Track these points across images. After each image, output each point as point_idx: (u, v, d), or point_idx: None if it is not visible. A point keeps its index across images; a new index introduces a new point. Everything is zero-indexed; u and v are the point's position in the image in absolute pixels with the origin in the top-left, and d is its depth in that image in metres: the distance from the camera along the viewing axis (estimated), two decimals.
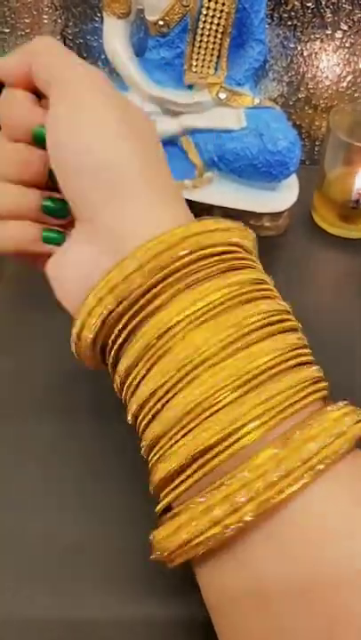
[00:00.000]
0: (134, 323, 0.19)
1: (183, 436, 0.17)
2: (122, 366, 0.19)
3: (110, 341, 0.20)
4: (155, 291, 0.19)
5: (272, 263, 0.39)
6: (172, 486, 0.18)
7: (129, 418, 0.20)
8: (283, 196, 0.37)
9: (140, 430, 0.19)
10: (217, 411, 0.17)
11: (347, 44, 0.41)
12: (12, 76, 0.22)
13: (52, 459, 0.27)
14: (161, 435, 0.18)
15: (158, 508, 0.19)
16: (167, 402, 0.18)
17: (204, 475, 0.17)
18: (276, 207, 0.37)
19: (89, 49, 0.43)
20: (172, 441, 0.18)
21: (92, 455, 0.27)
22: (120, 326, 0.19)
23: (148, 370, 0.19)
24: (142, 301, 0.19)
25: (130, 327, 0.19)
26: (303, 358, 0.19)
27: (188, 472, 0.17)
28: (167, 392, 0.18)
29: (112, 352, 0.20)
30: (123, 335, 0.19)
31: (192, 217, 0.22)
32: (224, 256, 0.20)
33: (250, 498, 0.16)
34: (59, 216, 0.23)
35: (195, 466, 0.17)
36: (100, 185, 0.20)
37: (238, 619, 0.17)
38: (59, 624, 0.22)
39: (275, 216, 0.38)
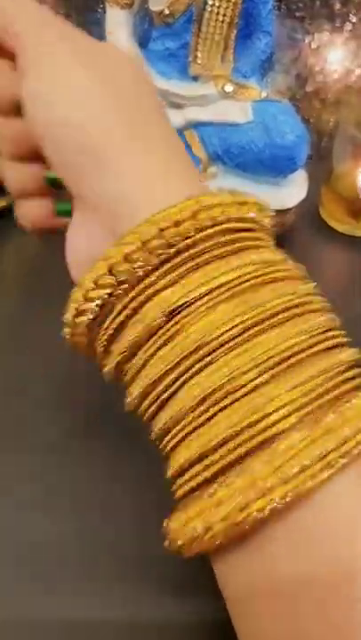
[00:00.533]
0: (136, 303, 0.17)
1: (201, 425, 0.16)
2: (120, 345, 0.17)
3: (107, 323, 0.18)
4: (161, 270, 0.17)
5: None
6: (192, 473, 0.16)
7: (128, 400, 0.18)
8: (291, 193, 0.36)
9: (149, 414, 0.17)
10: (240, 398, 0.15)
11: (356, 37, 0.40)
12: None
13: (52, 458, 0.27)
14: (178, 419, 0.16)
15: (178, 494, 0.17)
16: (182, 385, 0.16)
17: (228, 462, 0.16)
18: (284, 203, 0.36)
19: None
20: (191, 427, 0.16)
21: (92, 455, 0.27)
22: (120, 307, 0.17)
23: (157, 350, 0.17)
24: (146, 282, 0.17)
25: (131, 306, 0.17)
26: (336, 340, 0.17)
27: (207, 462, 0.16)
28: (181, 375, 0.16)
29: (106, 334, 0.18)
30: (122, 315, 0.17)
31: (196, 176, 0.19)
32: (237, 235, 0.18)
33: (275, 484, 0.15)
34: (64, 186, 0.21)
35: (216, 455, 0.16)
36: (84, 160, 0.18)
37: (257, 616, 0.16)
38: (58, 624, 0.22)
39: (282, 212, 0.37)
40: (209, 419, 0.16)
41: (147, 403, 0.17)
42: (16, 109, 0.20)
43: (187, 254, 0.17)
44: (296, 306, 0.17)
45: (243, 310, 0.16)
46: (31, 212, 0.23)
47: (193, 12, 0.32)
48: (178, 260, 0.17)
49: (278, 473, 0.15)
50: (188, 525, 0.16)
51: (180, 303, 0.16)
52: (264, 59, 0.34)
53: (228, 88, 0.34)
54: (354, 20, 0.40)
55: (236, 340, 0.16)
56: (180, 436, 0.16)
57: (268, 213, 0.20)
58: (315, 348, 0.16)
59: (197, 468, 0.16)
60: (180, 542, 0.16)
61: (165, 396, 0.17)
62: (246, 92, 0.34)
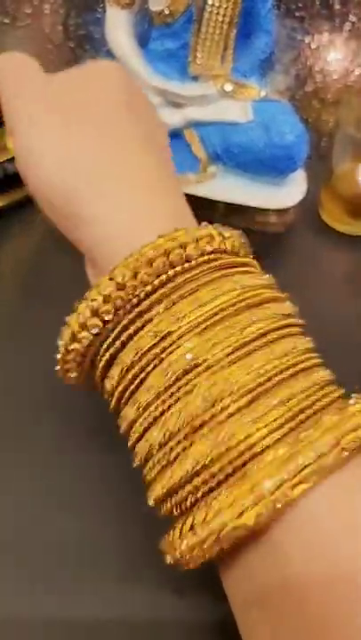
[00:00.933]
0: (128, 332, 0.17)
1: (188, 447, 0.16)
2: (114, 374, 0.18)
3: (102, 350, 0.18)
4: (152, 299, 0.17)
5: (278, 260, 0.39)
6: (182, 492, 0.17)
7: (123, 428, 0.19)
8: (290, 192, 0.36)
9: (134, 439, 0.18)
10: (225, 420, 0.16)
11: (356, 37, 0.40)
12: None
13: (52, 458, 0.27)
14: (162, 442, 0.17)
15: (165, 510, 0.18)
16: (165, 411, 0.17)
17: (218, 480, 0.16)
18: (283, 203, 0.36)
19: (91, 40, 0.42)
20: (178, 449, 0.17)
21: (92, 454, 0.27)
22: (113, 336, 0.18)
23: (143, 380, 0.17)
24: (135, 311, 0.17)
25: (123, 337, 0.17)
26: (314, 361, 0.18)
27: (196, 482, 0.16)
28: (164, 402, 0.17)
29: (102, 361, 0.18)
30: (116, 344, 0.18)
31: (176, 202, 0.20)
32: (223, 262, 0.19)
33: (263, 495, 0.15)
34: None
35: (205, 474, 0.16)
36: (66, 209, 0.19)
37: (266, 620, 0.16)
38: (60, 625, 0.22)
39: (281, 212, 0.37)
40: (190, 445, 0.16)
41: (133, 429, 0.18)
42: None
43: (178, 281, 0.17)
44: (277, 329, 0.18)
45: (225, 336, 0.17)
46: None
47: (193, 12, 0.32)
48: (171, 285, 0.17)
49: (266, 483, 0.15)
50: (184, 537, 0.16)
51: (169, 329, 0.17)
52: (264, 58, 0.34)
53: (228, 87, 0.34)
54: (353, 19, 0.40)
55: (220, 364, 0.16)
56: (161, 464, 0.17)
57: (247, 247, 0.21)
58: (292, 370, 0.17)
59: (186, 488, 0.16)
60: (177, 553, 0.17)
61: (149, 421, 0.17)
62: (246, 91, 0.34)
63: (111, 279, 0.17)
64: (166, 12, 0.32)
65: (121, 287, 0.17)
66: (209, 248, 0.18)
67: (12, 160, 0.35)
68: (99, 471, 0.26)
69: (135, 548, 0.24)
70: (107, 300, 0.17)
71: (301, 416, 0.16)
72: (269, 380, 0.16)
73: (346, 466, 0.16)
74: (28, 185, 0.20)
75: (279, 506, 0.15)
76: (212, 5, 0.31)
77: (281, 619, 0.16)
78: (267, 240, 0.39)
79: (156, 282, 0.17)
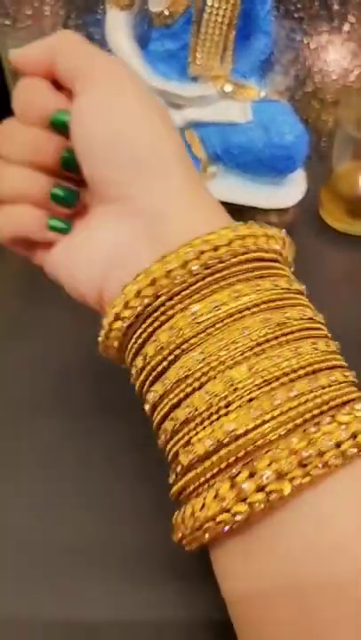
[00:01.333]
0: (166, 316, 0.19)
1: (207, 426, 0.17)
2: (147, 351, 0.19)
3: (140, 331, 0.19)
4: (193, 288, 0.19)
5: None
6: (198, 470, 0.17)
7: (147, 407, 0.20)
8: (290, 192, 0.36)
9: (160, 418, 0.19)
10: (240, 405, 0.17)
11: (354, 37, 0.40)
12: (32, 67, 0.22)
13: (52, 458, 0.27)
14: (183, 421, 0.18)
15: (176, 488, 0.19)
16: (191, 393, 0.18)
17: (228, 461, 0.17)
18: (283, 203, 0.36)
19: (91, 41, 0.42)
20: (198, 429, 0.17)
21: (92, 454, 0.27)
22: (152, 319, 0.19)
23: (174, 360, 0.18)
24: (179, 297, 0.19)
25: (161, 319, 0.19)
26: (336, 362, 0.19)
27: (213, 459, 0.17)
28: (190, 384, 0.18)
29: (139, 340, 0.19)
30: (154, 325, 0.19)
31: (225, 212, 0.22)
32: (264, 263, 0.20)
33: (269, 483, 0.16)
34: (67, 204, 0.23)
35: (221, 453, 0.17)
36: (137, 167, 0.20)
37: (263, 607, 0.17)
38: (60, 625, 0.22)
39: (281, 212, 0.37)
40: (212, 422, 0.17)
41: (160, 406, 0.19)
42: (45, 123, 0.22)
43: (219, 275, 0.19)
44: (305, 329, 0.19)
45: (256, 329, 0.18)
46: (20, 219, 0.22)
47: (192, 13, 0.32)
48: (210, 279, 0.19)
49: (270, 472, 0.16)
50: (195, 515, 0.17)
51: (205, 318, 0.18)
52: (263, 59, 0.34)
53: (228, 88, 0.34)
54: (352, 20, 0.40)
55: (244, 355, 0.17)
56: (183, 440, 0.18)
57: (292, 248, 0.22)
58: (315, 367, 0.18)
59: (202, 466, 0.17)
60: (187, 532, 0.18)
61: (175, 400, 0.18)
62: (245, 92, 0.34)
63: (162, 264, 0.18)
64: (166, 13, 0.32)
65: (167, 274, 0.18)
66: (253, 247, 0.19)
67: None
68: (99, 470, 0.27)
69: (138, 546, 0.24)
70: (152, 282, 0.18)
71: (310, 414, 0.17)
72: (287, 375, 0.17)
73: (350, 465, 0.16)
74: (84, 136, 0.21)
75: (275, 497, 0.16)
76: (212, 7, 0.31)
77: (277, 611, 0.16)
78: None
79: (217, 267, 0.19)
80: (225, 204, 0.37)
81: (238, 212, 0.37)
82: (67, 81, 0.22)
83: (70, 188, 0.23)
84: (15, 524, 0.25)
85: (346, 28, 0.40)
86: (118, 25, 0.33)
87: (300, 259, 0.39)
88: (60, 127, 0.22)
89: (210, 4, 0.31)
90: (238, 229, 0.19)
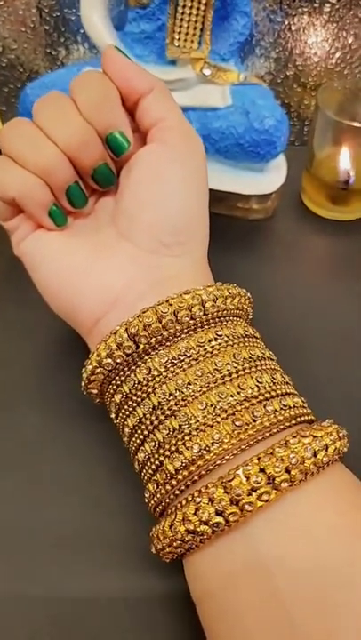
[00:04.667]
0: (147, 356, 0.20)
1: (171, 453, 0.19)
2: (121, 393, 0.21)
3: (122, 370, 0.21)
4: (177, 334, 0.21)
5: (260, 247, 0.38)
6: (162, 492, 0.19)
7: (125, 439, 0.21)
8: (271, 178, 0.36)
9: (134, 449, 0.21)
10: (197, 433, 0.19)
11: (336, 19, 0.39)
12: (122, 75, 0.23)
13: (41, 448, 0.27)
14: (152, 452, 0.20)
15: (151, 508, 0.20)
16: (159, 424, 0.19)
17: (191, 483, 0.19)
18: (264, 189, 0.36)
19: (66, 22, 0.41)
20: (162, 457, 0.19)
21: (83, 448, 0.27)
22: (136, 358, 0.21)
23: (142, 399, 0.20)
24: (162, 342, 0.20)
25: (143, 359, 0.20)
26: (285, 390, 0.21)
27: (174, 482, 0.19)
28: (158, 416, 0.19)
29: (113, 386, 0.21)
30: (133, 367, 0.21)
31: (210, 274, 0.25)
32: (236, 315, 0.22)
33: (233, 502, 0.17)
34: (75, 204, 0.24)
35: (185, 473, 0.19)
36: (171, 237, 0.23)
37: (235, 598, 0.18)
38: (56, 601, 0.23)
39: (263, 198, 0.37)
40: (174, 451, 0.19)
41: (132, 441, 0.21)
42: (102, 130, 0.23)
43: (197, 323, 0.21)
44: (254, 366, 0.21)
45: (208, 370, 0.20)
46: (32, 187, 0.23)
47: None
48: (192, 326, 0.21)
49: (231, 494, 0.17)
50: (165, 534, 0.19)
51: (168, 363, 0.20)
52: (242, 40, 0.33)
53: (207, 71, 0.33)
54: (333, 0, 0.39)
55: (199, 392, 0.19)
56: (154, 466, 0.20)
57: (250, 302, 0.24)
58: (265, 395, 0.20)
59: (166, 487, 0.19)
60: (159, 546, 0.19)
61: (144, 435, 0.20)
62: (225, 74, 0.33)
63: (140, 320, 0.20)
64: None
65: (147, 327, 0.20)
66: (221, 306, 0.21)
67: None
68: (82, 458, 0.26)
69: (121, 529, 0.24)
70: (131, 336, 0.20)
71: (273, 430, 0.19)
72: (248, 400, 0.19)
73: (320, 474, 0.18)
74: (142, 190, 0.23)
75: (249, 508, 0.17)
76: None
77: (246, 598, 0.17)
78: (249, 227, 0.38)
79: (171, 330, 0.21)
80: None
81: (219, 200, 0.37)
82: (146, 116, 0.23)
83: (85, 193, 0.24)
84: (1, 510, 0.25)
85: (327, 9, 0.39)
86: (93, 6, 0.32)
87: (282, 245, 0.38)
88: (114, 146, 0.23)
89: None
90: (219, 288, 0.22)
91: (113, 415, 0.22)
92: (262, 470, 0.17)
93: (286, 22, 0.40)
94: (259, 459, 0.18)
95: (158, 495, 0.19)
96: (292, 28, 0.40)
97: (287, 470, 0.17)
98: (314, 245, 0.39)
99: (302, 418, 0.20)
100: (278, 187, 0.36)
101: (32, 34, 0.41)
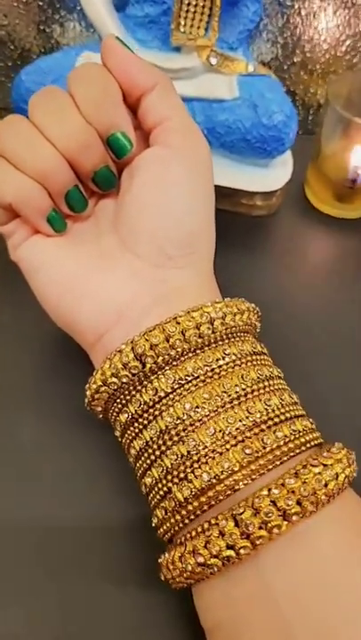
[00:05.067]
0: (153, 376, 0.20)
1: (180, 481, 0.18)
2: (127, 413, 0.20)
3: (127, 390, 0.20)
4: (185, 353, 0.20)
5: (263, 244, 0.37)
6: (172, 521, 0.19)
7: (131, 460, 0.21)
8: (276, 174, 0.35)
9: (140, 472, 0.20)
10: (207, 460, 0.18)
11: (348, 4, 0.37)
12: (122, 68, 0.21)
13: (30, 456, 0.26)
14: (160, 477, 0.19)
15: (160, 535, 0.20)
16: (167, 449, 0.19)
17: (201, 513, 0.18)
18: (269, 186, 0.34)
19: (62, 0, 0.38)
20: (170, 483, 0.19)
21: (81, 453, 0.26)
22: (142, 378, 0.20)
23: (149, 422, 0.19)
24: (169, 361, 0.20)
25: (150, 379, 0.20)
26: (294, 412, 0.20)
27: (184, 512, 0.18)
28: (166, 441, 0.19)
29: (118, 405, 0.20)
30: (139, 387, 0.20)
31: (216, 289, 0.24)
32: (244, 331, 0.22)
33: (243, 535, 0.17)
34: (75, 208, 0.23)
35: (195, 503, 0.18)
36: (180, 247, 0.22)
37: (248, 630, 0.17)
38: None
39: (267, 195, 0.36)
40: (183, 479, 0.18)
41: (139, 464, 0.20)
42: (103, 130, 0.21)
43: (206, 341, 0.20)
44: (262, 387, 0.20)
45: (216, 393, 0.19)
46: (30, 191, 0.21)
47: None
48: (201, 346, 0.20)
49: (245, 525, 0.17)
50: (176, 564, 0.18)
51: (177, 385, 0.19)
52: (252, 28, 0.31)
53: (213, 60, 0.31)
54: None
55: (207, 416, 0.19)
56: (160, 494, 0.19)
57: (258, 316, 0.23)
58: (275, 420, 0.19)
59: (177, 516, 0.19)
60: (168, 576, 0.19)
61: (151, 459, 0.19)
62: (232, 64, 0.31)
63: (147, 339, 0.19)
64: None
65: (154, 347, 0.19)
66: (230, 323, 0.21)
67: None
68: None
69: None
70: (137, 356, 0.19)
71: (284, 458, 0.18)
72: (258, 425, 0.19)
73: (330, 502, 0.18)
74: (145, 195, 0.22)
75: (261, 542, 0.17)
76: None
77: (256, 627, 0.17)
78: (252, 223, 0.37)
79: (179, 350, 0.20)
80: None
81: (222, 195, 0.35)
82: (149, 115, 0.22)
83: (85, 197, 0.23)
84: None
85: None
86: None
87: (286, 243, 0.37)
88: (116, 148, 0.22)
89: None
90: (228, 304, 0.21)
91: (118, 434, 0.21)
92: (273, 503, 0.17)
93: (296, 6, 0.38)
94: (269, 490, 0.17)
95: (168, 524, 0.19)
96: (302, 13, 0.38)
97: (298, 502, 0.17)
98: (318, 243, 0.38)
99: (312, 443, 0.20)
100: (284, 184, 0.35)
101: (25, 9, 0.39)
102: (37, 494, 0.25)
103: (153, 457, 0.19)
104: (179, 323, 0.19)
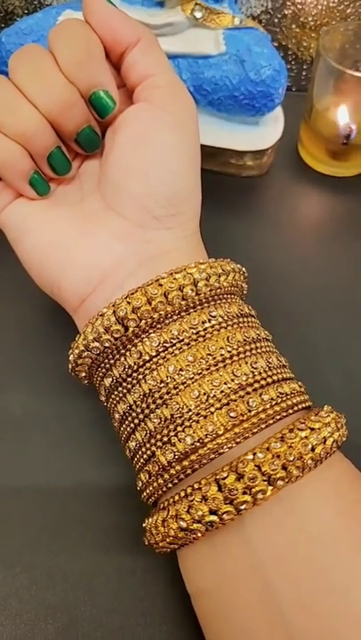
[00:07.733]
0: (137, 340, 0.20)
1: (163, 444, 0.18)
2: (111, 377, 0.20)
3: (110, 354, 0.20)
4: (169, 316, 0.20)
5: (255, 205, 0.37)
6: (155, 485, 0.19)
7: (115, 424, 0.21)
8: (267, 132, 0.34)
9: (124, 436, 0.20)
10: (190, 424, 0.18)
11: None
12: (105, 25, 0.21)
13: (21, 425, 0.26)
14: (144, 441, 0.19)
15: (144, 498, 0.20)
16: (150, 413, 0.19)
17: (184, 477, 0.18)
18: (259, 144, 0.34)
19: None
20: (154, 447, 0.19)
21: (70, 423, 0.27)
22: (126, 342, 0.20)
23: (132, 385, 0.19)
24: (153, 324, 0.19)
25: (134, 342, 0.20)
26: (282, 375, 0.20)
27: (167, 475, 0.18)
28: (149, 405, 0.19)
29: (102, 370, 0.20)
30: (123, 351, 0.20)
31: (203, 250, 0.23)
32: (230, 293, 0.21)
33: (227, 501, 0.17)
34: (58, 171, 0.22)
35: (178, 467, 0.18)
36: (165, 208, 0.21)
37: (232, 597, 0.17)
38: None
39: (258, 154, 0.35)
40: (167, 442, 0.18)
41: (123, 428, 0.20)
42: (85, 88, 0.21)
43: (191, 304, 0.20)
44: (250, 349, 0.20)
45: (201, 355, 0.19)
46: (10, 154, 0.21)
47: None
48: (185, 308, 0.20)
49: (229, 489, 0.17)
50: (160, 528, 0.18)
51: (163, 347, 0.19)
52: None
53: (198, 14, 0.30)
54: None
55: (192, 379, 0.18)
56: (145, 457, 0.19)
57: (245, 276, 0.23)
58: (262, 382, 0.19)
59: (161, 479, 0.19)
60: (151, 540, 0.19)
61: (135, 423, 0.19)
62: (218, 18, 0.31)
63: (129, 302, 0.19)
64: None
65: (136, 310, 0.19)
66: (205, 289, 0.20)
67: None
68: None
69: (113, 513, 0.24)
70: (119, 320, 0.19)
71: (270, 421, 0.18)
72: (243, 388, 0.18)
73: (318, 467, 0.17)
74: (128, 155, 0.21)
75: (245, 507, 0.17)
76: None
77: (243, 608, 0.17)
78: (242, 184, 0.37)
79: (162, 312, 0.19)
80: None
81: (210, 155, 0.34)
82: (132, 71, 0.21)
83: (68, 158, 0.22)
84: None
85: None
86: None
87: (277, 203, 0.37)
88: (99, 106, 0.21)
89: None
90: (212, 265, 0.21)
91: (103, 398, 0.21)
92: (258, 467, 0.17)
93: None
94: (254, 454, 0.17)
95: (151, 487, 0.19)
96: None
97: (284, 467, 0.17)
98: (312, 203, 0.37)
99: (300, 406, 0.19)
100: (275, 142, 0.34)
101: None
102: (25, 462, 0.25)
103: (137, 420, 0.19)
104: (161, 285, 0.19)
